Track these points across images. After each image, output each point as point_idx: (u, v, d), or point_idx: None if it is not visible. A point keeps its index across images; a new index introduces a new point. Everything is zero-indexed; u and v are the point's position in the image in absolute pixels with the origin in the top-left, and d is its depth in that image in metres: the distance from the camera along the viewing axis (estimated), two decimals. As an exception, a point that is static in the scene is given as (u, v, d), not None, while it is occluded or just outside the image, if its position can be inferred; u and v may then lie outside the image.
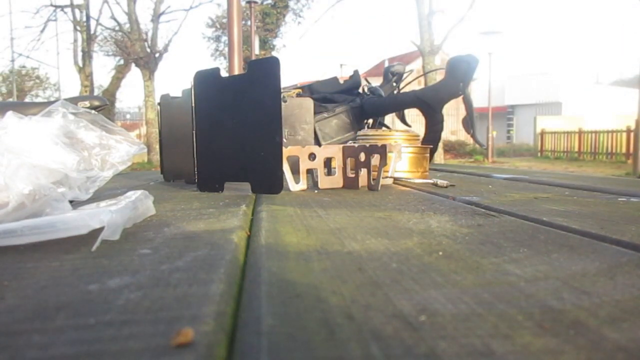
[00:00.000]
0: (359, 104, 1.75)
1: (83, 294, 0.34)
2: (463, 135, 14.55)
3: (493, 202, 0.80)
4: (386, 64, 3.77)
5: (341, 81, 1.92)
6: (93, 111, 0.74)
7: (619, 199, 0.85)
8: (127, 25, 10.94)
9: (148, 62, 10.43)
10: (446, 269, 0.39)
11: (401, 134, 1.29)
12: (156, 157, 8.30)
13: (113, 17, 11.36)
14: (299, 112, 1.47)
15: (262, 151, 0.88)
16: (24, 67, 17.22)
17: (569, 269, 0.39)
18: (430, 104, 1.57)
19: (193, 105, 1.01)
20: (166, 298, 0.32)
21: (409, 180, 1.19)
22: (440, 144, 2.02)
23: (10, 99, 13.73)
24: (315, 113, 1.56)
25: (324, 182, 1.04)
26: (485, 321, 0.28)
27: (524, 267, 0.40)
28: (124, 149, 0.73)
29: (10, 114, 0.66)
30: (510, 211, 0.70)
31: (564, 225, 0.58)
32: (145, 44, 10.67)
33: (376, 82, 2.05)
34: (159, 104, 1.30)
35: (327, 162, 1.08)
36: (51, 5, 11.92)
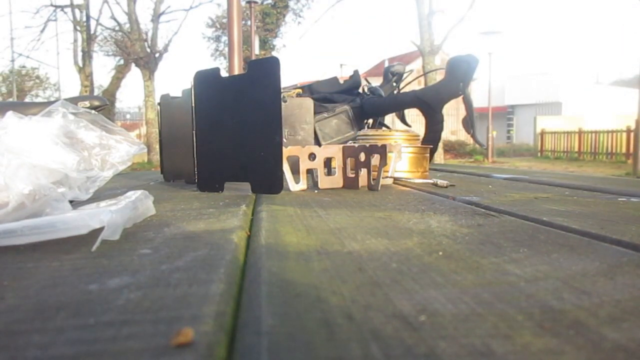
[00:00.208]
0: (359, 104, 1.75)
1: (83, 294, 0.34)
2: (463, 135, 14.56)
3: (493, 202, 0.80)
4: (386, 64, 3.77)
5: (341, 81, 1.92)
6: (93, 111, 0.74)
7: (619, 199, 0.85)
8: (127, 25, 10.95)
9: (148, 62, 10.43)
10: (446, 269, 0.39)
11: (401, 134, 1.29)
12: (156, 157, 8.31)
13: (113, 17, 11.39)
14: (299, 112, 1.47)
15: (262, 151, 0.88)
16: (24, 67, 17.25)
17: (569, 269, 0.39)
18: (430, 104, 1.57)
19: (193, 105, 1.01)
20: (166, 298, 0.32)
21: (409, 180, 1.19)
22: (440, 144, 2.02)
23: (10, 99, 13.73)
24: (315, 113, 1.56)
25: (324, 182, 1.04)
26: (485, 321, 0.28)
27: (524, 267, 0.40)
28: (124, 149, 0.73)
29: (10, 114, 0.66)
30: (510, 211, 0.70)
31: (564, 225, 0.58)
32: (145, 44, 10.67)
33: (376, 82, 2.04)
34: (159, 104, 1.30)
35: (327, 162, 1.08)
36: (51, 5, 11.93)
